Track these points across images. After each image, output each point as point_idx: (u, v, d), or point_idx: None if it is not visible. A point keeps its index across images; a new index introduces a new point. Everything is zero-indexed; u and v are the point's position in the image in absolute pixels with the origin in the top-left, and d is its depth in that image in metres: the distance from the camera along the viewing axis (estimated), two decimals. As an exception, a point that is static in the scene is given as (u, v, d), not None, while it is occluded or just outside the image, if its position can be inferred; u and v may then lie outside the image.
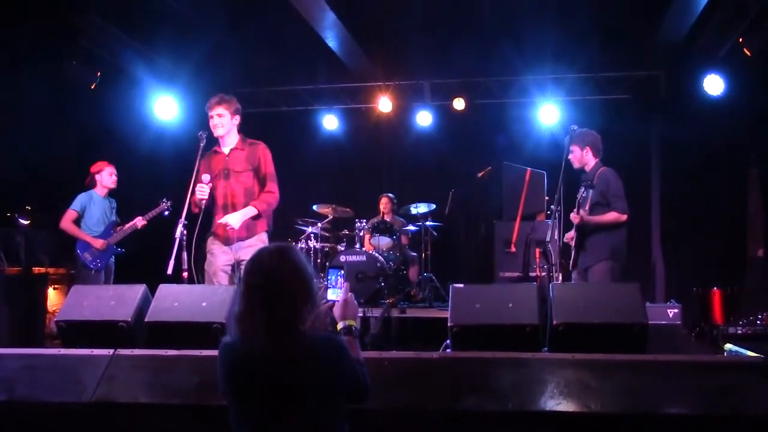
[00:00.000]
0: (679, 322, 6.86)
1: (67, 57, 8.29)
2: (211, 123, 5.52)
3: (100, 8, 8.18)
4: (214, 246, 5.52)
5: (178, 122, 9.84)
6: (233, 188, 5.49)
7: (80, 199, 7.24)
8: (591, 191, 5.80)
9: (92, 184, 7.36)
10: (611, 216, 5.87)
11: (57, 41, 8.10)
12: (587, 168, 6.15)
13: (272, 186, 5.57)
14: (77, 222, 7.20)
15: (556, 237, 6.24)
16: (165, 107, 9.73)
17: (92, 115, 8.69)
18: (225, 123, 5.53)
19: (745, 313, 7.62)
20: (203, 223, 5.45)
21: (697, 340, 7.42)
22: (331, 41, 8.97)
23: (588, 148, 6.16)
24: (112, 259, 7.33)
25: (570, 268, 6.16)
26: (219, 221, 5.42)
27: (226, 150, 5.58)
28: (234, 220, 5.35)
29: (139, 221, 7.20)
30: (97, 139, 8.85)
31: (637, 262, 9.90)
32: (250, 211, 5.42)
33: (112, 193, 7.49)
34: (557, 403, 3.71)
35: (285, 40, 9.19)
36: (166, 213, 7.05)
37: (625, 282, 5.29)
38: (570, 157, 6.17)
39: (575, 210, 5.92)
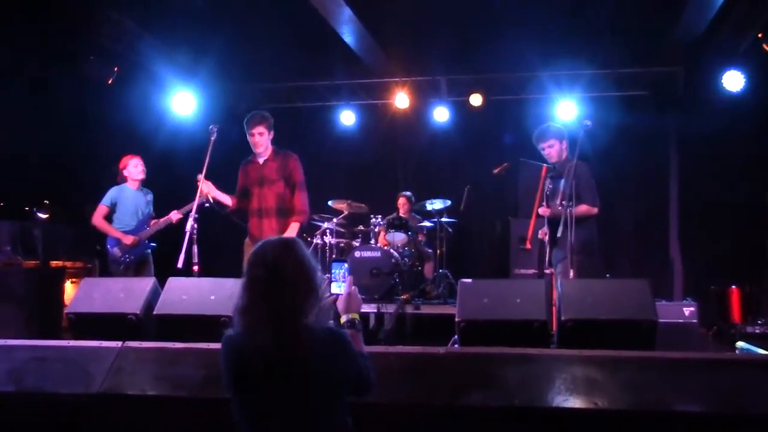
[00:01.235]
0: (695, 321, 6.79)
1: (85, 53, 8.36)
2: (252, 140, 5.98)
3: (117, 3, 8.22)
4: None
5: (196, 117, 9.89)
6: (266, 195, 5.99)
7: (110, 194, 7.01)
8: (562, 182, 5.75)
9: (123, 180, 7.13)
10: (582, 209, 5.82)
11: (74, 37, 8.16)
12: (559, 161, 6.11)
13: (301, 195, 6.07)
14: (109, 216, 6.99)
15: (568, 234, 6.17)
16: (183, 102, 9.78)
17: (110, 110, 8.74)
18: (264, 141, 6.01)
19: (763, 312, 7.54)
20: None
21: (715, 339, 7.34)
22: (348, 37, 8.96)
23: (565, 141, 6.16)
24: (149, 252, 7.09)
25: (546, 264, 6.11)
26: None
27: (261, 160, 6.07)
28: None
29: (174, 215, 6.91)
30: (116, 133, 8.90)
31: (653, 259, 9.86)
32: (295, 227, 5.96)
33: (148, 186, 7.28)
34: (564, 400, 3.69)
35: (302, 36, 9.19)
36: (207, 205, 6.81)
37: (634, 278, 5.23)
38: (550, 151, 6.15)
39: (544, 204, 5.87)
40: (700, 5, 7.81)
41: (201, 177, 5.90)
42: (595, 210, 5.88)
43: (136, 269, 6.96)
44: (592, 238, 5.85)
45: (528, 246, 8.09)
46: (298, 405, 2.53)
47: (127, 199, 7.03)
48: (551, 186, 5.94)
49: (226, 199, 6.09)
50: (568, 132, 6.36)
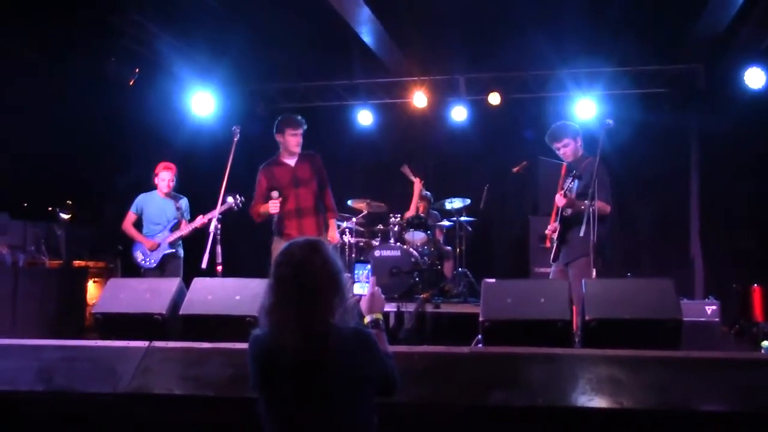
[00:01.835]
0: (717, 320, 6.75)
1: (106, 54, 8.43)
2: (294, 141, 6.19)
3: (138, 5, 8.29)
4: None
5: (215, 117, 9.95)
6: (304, 194, 6.19)
7: (137, 201, 7.29)
8: (578, 181, 5.71)
9: (155, 186, 7.33)
10: (597, 203, 5.74)
11: (96, 39, 8.23)
12: (575, 159, 6.08)
13: (331, 193, 6.46)
14: (139, 222, 7.25)
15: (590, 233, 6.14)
16: (202, 102, 9.84)
17: (131, 111, 8.82)
18: (301, 142, 6.27)
19: (787, 311, 7.48)
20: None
21: (737, 337, 7.29)
22: (366, 36, 8.97)
23: (579, 139, 6.12)
24: (171, 255, 7.15)
25: (551, 261, 6.07)
26: (332, 239, 6.35)
27: (291, 162, 6.24)
28: (334, 235, 6.45)
29: (199, 220, 7.03)
30: (137, 134, 8.99)
31: (674, 257, 9.81)
32: (335, 224, 6.47)
33: (183, 192, 7.44)
34: (589, 399, 3.69)
35: (320, 36, 9.22)
36: (235, 209, 6.92)
37: (658, 277, 5.20)
38: (565, 150, 6.09)
39: (560, 193, 5.80)
40: (721, 1, 7.76)
41: (275, 194, 6.05)
42: (608, 208, 5.81)
43: (158, 272, 7.10)
44: (604, 239, 5.78)
45: (548, 244, 8.07)
46: (325, 404, 2.55)
47: (152, 206, 7.23)
48: (570, 184, 5.90)
49: (276, 208, 6.09)
50: (584, 129, 6.33)
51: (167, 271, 7.10)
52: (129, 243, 7.33)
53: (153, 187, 7.30)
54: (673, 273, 8.46)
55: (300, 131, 6.20)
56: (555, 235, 6.00)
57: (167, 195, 7.27)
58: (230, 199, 6.85)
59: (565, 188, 5.79)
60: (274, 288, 2.66)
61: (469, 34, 9.07)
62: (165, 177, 7.21)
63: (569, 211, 5.88)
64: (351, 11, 8.31)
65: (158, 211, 7.23)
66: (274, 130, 6.25)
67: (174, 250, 7.16)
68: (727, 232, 9.36)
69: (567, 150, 6.09)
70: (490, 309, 4.48)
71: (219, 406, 3.99)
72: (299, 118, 6.26)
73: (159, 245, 7.10)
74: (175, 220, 7.22)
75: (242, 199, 6.62)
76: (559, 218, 5.93)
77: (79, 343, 4.50)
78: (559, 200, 5.81)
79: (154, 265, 7.10)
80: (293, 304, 2.59)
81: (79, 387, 4.10)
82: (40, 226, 8.32)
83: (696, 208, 9.80)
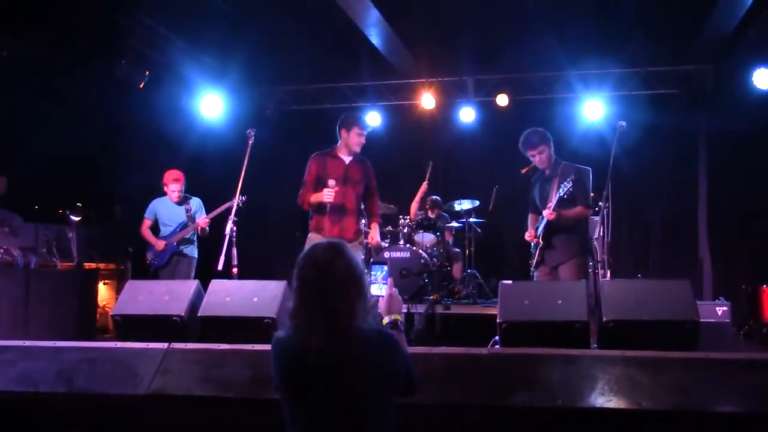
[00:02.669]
0: (728, 320, 6.78)
1: (117, 57, 8.46)
2: (358, 141, 6.19)
3: (148, 8, 8.32)
4: None
5: (224, 119, 9.98)
6: (350, 194, 6.13)
7: (151, 207, 7.54)
8: (563, 188, 5.74)
9: (165, 192, 7.57)
10: (579, 210, 5.87)
11: (106, 41, 8.26)
12: (549, 165, 6.12)
13: (378, 200, 6.58)
14: (156, 227, 7.50)
15: (602, 234, 6.19)
16: (211, 105, 9.87)
17: (141, 113, 8.85)
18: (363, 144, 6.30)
19: (795, 311, 7.48)
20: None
21: (746, 338, 7.30)
22: (375, 38, 9.00)
23: (551, 145, 6.16)
24: (191, 253, 7.46)
25: (533, 267, 6.11)
26: (372, 240, 6.44)
27: (346, 159, 6.21)
28: (377, 235, 6.45)
29: (202, 220, 7.28)
30: (146, 136, 9.02)
31: (684, 258, 9.81)
32: (378, 228, 6.45)
33: (192, 194, 7.63)
34: (607, 400, 3.71)
35: (329, 38, 9.25)
36: (240, 205, 6.99)
37: (674, 279, 5.21)
38: (541, 157, 6.11)
39: (548, 207, 5.84)
40: (730, 2, 7.77)
41: (332, 183, 5.96)
42: (590, 212, 5.94)
43: (167, 271, 7.38)
44: (588, 240, 5.93)
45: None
46: (350, 405, 2.57)
47: (165, 211, 7.50)
48: (546, 189, 5.95)
49: (330, 197, 5.97)
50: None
51: (177, 271, 7.37)
52: (144, 246, 7.56)
53: (164, 192, 7.51)
54: (682, 273, 8.50)
55: (365, 133, 6.22)
56: (536, 241, 6.04)
57: (179, 200, 7.51)
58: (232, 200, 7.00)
59: (553, 203, 5.81)
60: (298, 290, 2.69)
61: (477, 35, 9.09)
62: (174, 189, 7.45)
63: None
64: (360, 13, 8.34)
65: (170, 215, 7.49)
66: (340, 124, 6.22)
67: (181, 249, 7.40)
68: (736, 233, 9.37)
69: (543, 156, 6.12)
70: (508, 311, 4.49)
71: (239, 407, 4.01)
72: (367, 121, 6.29)
73: (166, 245, 7.34)
74: (184, 222, 7.41)
75: (243, 198, 6.71)
76: (543, 225, 5.94)
77: (99, 344, 4.52)
78: (549, 215, 5.84)
79: (162, 263, 7.37)
80: (317, 306, 2.61)
81: (100, 389, 4.12)
82: (51, 229, 8.35)
83: (705, 209, 9.82)
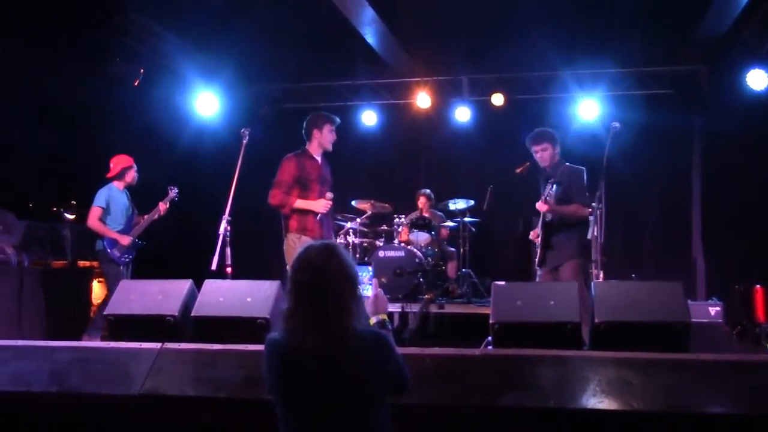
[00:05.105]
0: (720, 321, 6.79)
1: (111, 54, 8.44)
2: (332, 138, 6.16)
3: (142, 6, 8.30)
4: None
5: (219, 117, 9.97)
6: (327, 193, 6.09)
7: (103, 194, 7.14)
8: (557, 187, 5.78)
9: (119, 177, 7.27)
10: (574, 207, 5.89)
11: (101, 39, 8.24)
12: (551, 165, 6.15)
13: None
14: (104, 218, 7.12)
15: (596, 234, 6.18)
16: (206, 102, 9.86)
17: (135, 111, 8.83)
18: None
19: (789, 311, 7.51)
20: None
21: (739, 338, 7.33)
22: (370, 37, 8.98)
23: (557, 147, 6.21)
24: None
25: (536, 266, 6.12)
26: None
27: (319, 159, 6.19)
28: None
29: (155, 213, 7.17)
30: (141, 134, 8.99)
31: (677, 258, 9.83)
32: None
33: (173, 184, 7.47)
34: (599, 401, 3.72)
35: (323, 36, 9.23)
36: (176, 200, 7.06)
37: (666, 281, 5.23)
38: (543, 154, 6.17)
39: (542, 199, 5.86)
40: (724, 3, 7.78)
41: (330, 196, 6.05)
42: (588, 210, 5.88)
43: (124, 270, 7.15)
44: (587, 242, 5.84)
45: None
46: (344, 405, 2.58)
47: (117, 199, 7.22)
48: (551, 190, 5.96)
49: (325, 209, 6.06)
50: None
51: (134, 266, 7.21)
52: (95, 238, 7.18)
53: (109, 181, 7.28)
54: (676, 273, 8.51)
55: (334, 129, 6.19)
56: (538, 240, 6.05)
57: (124, 189, 7.29)
58: (171, 192, 7.18)
59: (545, 195, 5.84)
60: (292, 292, 2.71)
61: (472, 34, 9.09)
62: (135, 169, 7.27)
63: (550, 216, 5.96)
64: (355, 12, 8.32)
65: (123, 205, 7.24)
66: (310, 124, 6.15)
67: (140, 244, 7.23)
68: (729, 233, 9.39)
69: (545, 154, 6.16)
70: (501, 311, 4.50)
71: (232, 407, 4.02)
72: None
73: (133, 240, 7.14)
74: (134, 213, 7.29)
75: (176, 189, 6.80)
76: (541, 223, 5.97)
77: (92, 344, 4.54)
78: (541, 206, 5.87)
79: (130, 260, 7.17)
80: (313, 307, 2.63)
81: (93, 388, 4.12)
82: (45, 227, 8.34)
83: (698, 209, 9.84)
